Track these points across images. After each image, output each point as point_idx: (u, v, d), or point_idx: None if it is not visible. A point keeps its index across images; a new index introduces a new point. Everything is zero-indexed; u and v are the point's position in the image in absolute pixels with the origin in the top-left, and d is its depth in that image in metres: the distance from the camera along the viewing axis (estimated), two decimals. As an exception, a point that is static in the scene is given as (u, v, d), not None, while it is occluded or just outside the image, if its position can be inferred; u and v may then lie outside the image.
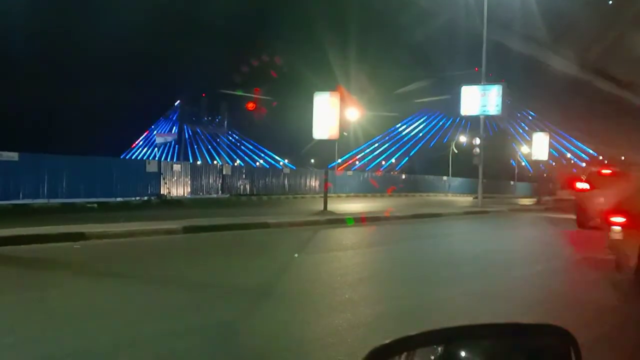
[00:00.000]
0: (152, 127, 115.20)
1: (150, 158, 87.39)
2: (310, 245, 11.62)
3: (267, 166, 74.23)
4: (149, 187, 25.21)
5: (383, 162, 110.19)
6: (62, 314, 5.39)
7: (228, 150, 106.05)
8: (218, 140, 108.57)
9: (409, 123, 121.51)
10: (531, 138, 36.79)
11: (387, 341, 1.18)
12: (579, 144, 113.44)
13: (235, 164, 73.24)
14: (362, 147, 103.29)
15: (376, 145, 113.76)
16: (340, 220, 16.30)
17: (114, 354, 4.22)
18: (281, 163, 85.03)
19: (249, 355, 4.32)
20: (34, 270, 7.86)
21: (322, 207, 19.04)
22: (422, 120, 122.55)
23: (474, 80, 28.03)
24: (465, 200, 35.40)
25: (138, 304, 5.84)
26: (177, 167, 28.24)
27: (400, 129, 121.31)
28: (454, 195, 46.59)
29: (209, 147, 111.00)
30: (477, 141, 27.66)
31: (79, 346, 4.33)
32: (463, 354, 1.28)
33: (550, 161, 58.31)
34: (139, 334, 4.63)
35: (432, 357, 1.24)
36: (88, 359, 4.15)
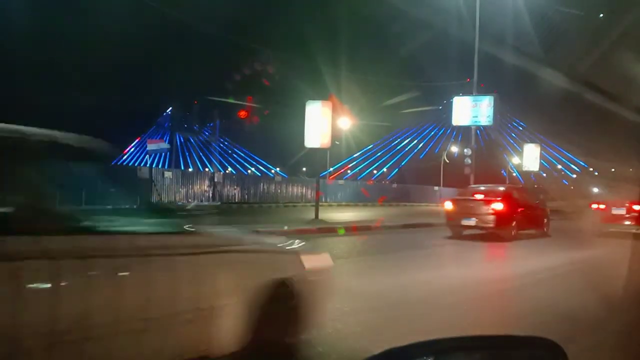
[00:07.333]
0: (144, 133, 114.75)
1: (142, 165, 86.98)
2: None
3: (259, 174, 73.92)
4: (140, 194, 25.09)
5: (374, 172, 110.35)
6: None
7: (220, 157, 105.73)
8: (210, 147, 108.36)
9: (401, 133, 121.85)
10: (522, 149, 37.08)
11: (376, 353, 1.17)
12: (570, 155, 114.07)
13: (227, 172, 73.04)
14: (354, 156, 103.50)
15: (368, 154, 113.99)
16: (331, 229, 16.28)
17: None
18: (273, 171, 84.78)
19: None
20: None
21: (313, 216, 19.03)
22: (413, 130, 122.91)
23: (466, 91, 28.25)
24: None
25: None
26: (168, 174, 28.12)
27: (392, 139, 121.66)
28: (445, 205, 46.57)
29: (201, 154, 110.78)
30: (468, 151, 27.78)
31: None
32: (453, 365, 1.28)
33: (542, 172, 58.60)
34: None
35: (422, 369, 1.23)
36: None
